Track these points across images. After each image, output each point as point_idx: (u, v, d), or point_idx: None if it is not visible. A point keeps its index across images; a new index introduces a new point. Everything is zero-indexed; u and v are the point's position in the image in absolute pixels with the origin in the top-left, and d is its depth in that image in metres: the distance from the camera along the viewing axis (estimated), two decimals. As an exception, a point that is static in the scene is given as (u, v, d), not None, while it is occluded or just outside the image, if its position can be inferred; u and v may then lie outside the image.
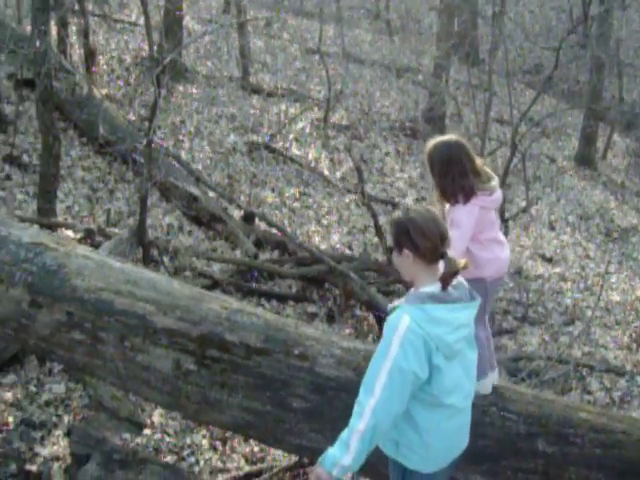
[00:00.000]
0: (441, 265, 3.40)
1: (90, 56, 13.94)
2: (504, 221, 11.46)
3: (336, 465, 3.24)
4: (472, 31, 20.66)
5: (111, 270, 5.26)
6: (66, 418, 6.51)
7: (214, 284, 8.76)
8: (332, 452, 3.28)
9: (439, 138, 4.54)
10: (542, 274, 12.49)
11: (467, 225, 4.32)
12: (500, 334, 9.77)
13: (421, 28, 25.77)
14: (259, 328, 4.88)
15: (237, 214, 11.10)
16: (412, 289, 3.55)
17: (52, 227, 8.34)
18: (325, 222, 12.08)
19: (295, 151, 14.58)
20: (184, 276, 8.63)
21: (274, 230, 10.61)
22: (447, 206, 4.49)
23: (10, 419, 6.35)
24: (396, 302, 3.52)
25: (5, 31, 12.99)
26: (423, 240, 3.30)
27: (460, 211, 4.35)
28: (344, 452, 3.23)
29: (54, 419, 6.47)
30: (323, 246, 10.98)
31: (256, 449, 6.52)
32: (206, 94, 15.58)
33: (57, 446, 6.12)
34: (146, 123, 12.31)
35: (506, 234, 11.35)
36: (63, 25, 13.48)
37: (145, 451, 6.00)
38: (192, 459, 6.35)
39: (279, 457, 6.41)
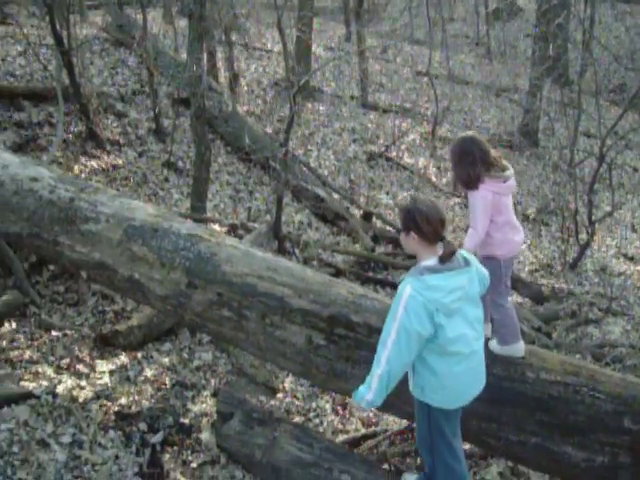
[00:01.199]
0: (440, 246, 3.74)
1: (234, 79, 14.22)
2: (591, 224, 11.12)
3: (363, 399, 3.77)
4: (563, 55, 20.11)
5: (255, 258, 5.36)
6: (212, 381, 6.68)
7: (337, 273, 8.82)
8: (360, 390, 3.79)
9: (460, 135, 4.70)
10: (625, 271, 12.05)
11: (482, 208, 4.39)
12: (586, 323, 9.48)
13: (517, 53, 25.27)
14: (380, 311, 4.86)
15: (357, 213, 11.14)
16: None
17: (203, 222, 8.54)
18: (431, 222, 11.96)
19: (407, 160, 14.53)
20: (312, 265, 8.71)
21: (388, 227, 10.61)
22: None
23: (167, 380, 6.54)
24: (403, 275, 3.80)
25: (164, 58, 13.40)
26: (427, 225, 3.65)
27: (475, 196, 4.42)
28: (367, 390, 3.74)
29: (203, 382, 6.64)
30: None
31: (371, 414, 6.51)
32: (331, 111, 15.67)
33: (205, 404, 6.28)
34: (281, 135, 12.50)
35: (593, 235, 11.03)
36: (211, 53, 13.80)
37: (278, 412, 6.07)
38: (317, 420, 6.41)
39: (391, 422, 6.40)
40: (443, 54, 21.10)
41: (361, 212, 11.12)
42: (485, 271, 4.12)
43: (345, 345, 4.91)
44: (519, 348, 4.63)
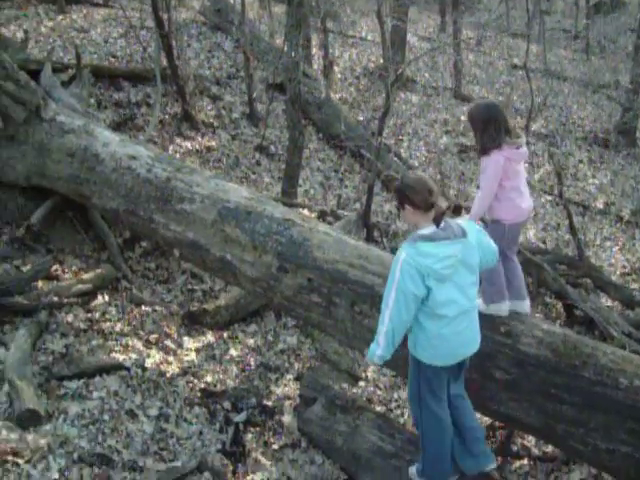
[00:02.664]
0: (433, 212, 4.02)
1: (328, 66, 14.23)
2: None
3: (374, 355, 4.13)
4: (669, 51, 19.35)
5: (346, 246, 5.37)
6: (296, 365, 6.74)
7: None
8: (371, 347, 4.15)
9: (479, 101, 5.01)
10: None
11: (493, 172, 4.57)
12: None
13: (617, 48, 24.45)
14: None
15: (446, 205, 11.01)
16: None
17: (293, 207, 8.60)
18: (523, 218, 11.74)
19: (499, 153, 14.25)
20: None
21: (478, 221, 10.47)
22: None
23: (252, 361, 6.65)
24: (401, 243, 4.14)
25: (260, 43, 13.51)
26: (415, 195, 3.99)
27: (488, 160, 4.60)
28: (377, 346, 4.10)
29: (286, 365, 6.72)
30: (520, 239, 10.67)
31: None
32: (424, 101, 15.52)
33: (288, 388, 6.35)
34: (373, 124, 12.48)
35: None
36: (307, 40, 13.84)
37: (361, 400, 6.08)
38: (398, 411, 6.39)
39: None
40: (540, 47, 20.63)
41: (451, 205, 10.99)
42: (494, 246, 4.37)
43: (434, 336, 4.88)
44: (503, 308, 4.82)
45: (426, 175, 4.21)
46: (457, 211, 10.56)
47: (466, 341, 4.26)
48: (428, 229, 4.03)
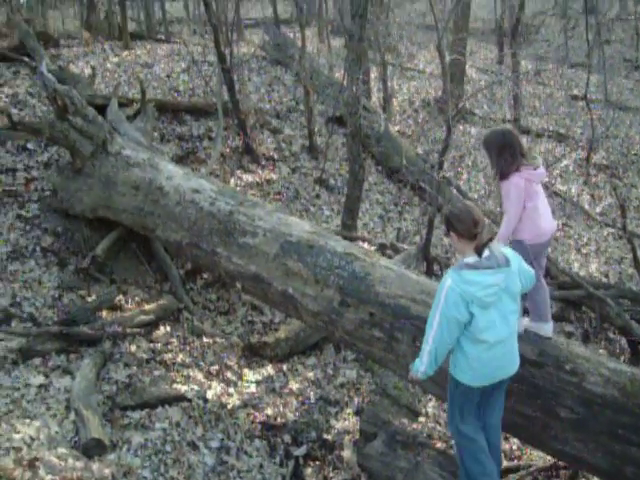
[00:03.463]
0: (477, 241, 4.15)
1: (387, 99, 14.31)
2: None
3: (418, 371, 4.31)
4: None
5: (409, 281, 5.37)
6: (356, 399, 6.72)
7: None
8: (415, 362, 4.34)
9: (494, 128, 5.17)
10: None
11: (515, 194, 4.71)
12: None
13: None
14: (534, 343, 4.79)
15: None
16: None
17: (353, 240, 8.63)
18: (584, 251, 11.56)
19: (559, 186, 14.07)
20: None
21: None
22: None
23: (312, 394, 6.65)
24: (448, 270, 4.29)
25: (319, 77, 13.67)
26: (460, 224, 4.14)
27: (509, 183, 4.74)
28: (421, 363, 4.28)
29: (346, 399, 6.70)
30: (582, 273, 10.52)
31: (514, 447, 6.34)
32: (482, 133, 15.43)
33: (348, 422, 6.34)
34: (432, 156, 12.47)
35: None
36: (366, 73, 13.94)
37: (421, 436, 6.02)
38: (459, 448, 6.29)
39: (535, 457, 6.18)
40: (600, 78, 20.39)
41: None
42: (531, 270, 4.46)
43: (496, 375, 4.83)
44: (546, 329, 4.92)
45: (474, 205, 4.33)
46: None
47: (504, 365, 4.38)
48: (473, 257, 4.18)
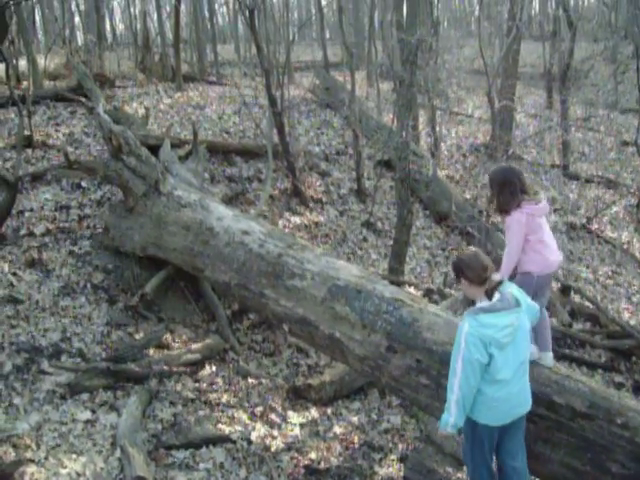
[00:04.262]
0: (487, 285, 4.34)
1: (435, 143, 14.37)
2: None
3: (448, 425, 4.35)
4: None
5: (456, 328, 5.33)
6: (400, 446, 6.65)
7: (532, 347, 8.54)
8: (444, 417, 4.38)
9: (498, 166, 5.44)
10: None
11: (517, 229, 4.92)
12: None
13: None
14: (584, 394, 4.71)
15: (554, 286, 10.79)
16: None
17: (400, 284, 8.63)
18: (635, 300, 11.37)
19: (609, 233, 13.92)
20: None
21: (587, 303, 10.20)
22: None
23: (355, 439, 6.60)
24: (465, 314, 4.39)
25: (368, 121, 13.81)
26: (470, 271, 4.33)
27: (511, 219, 4.96)
28: (449, 416, 4.33)
29: (390, 445, 6.63)
30: (632, 322, 10.33)
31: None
32: (530, 179, 15.37)
33: (392, 468, 6.26)
34: (478, 201, 12.46)
35: None
36: (415, 118, 14.03)
37: (466, 486, 5.94)
38: (504, 500, 6.18)
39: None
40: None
41: (559, 285, 10.76)
42: (535, 305, 4.64)
43: (545, 426, 4.78)
44: (549, 358, 5.06)
45: (480, 251, 4.50)
46: (565, 291, 10.32)
47: (520, 402, 4.49)
48: (486, 301, 4.36)
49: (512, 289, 4.45)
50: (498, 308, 4.30)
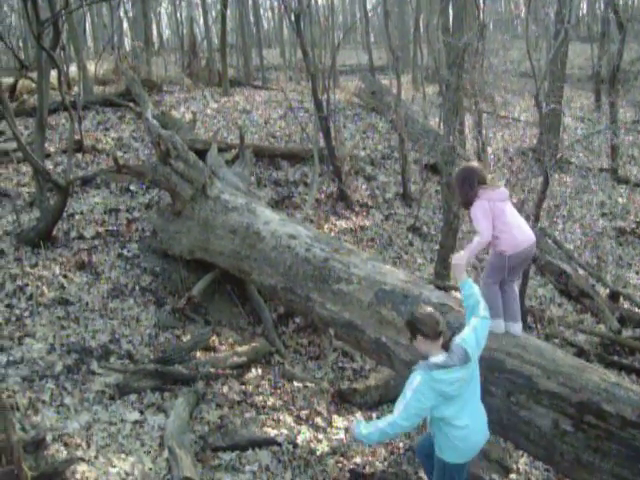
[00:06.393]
0: (441, 340, 4.48)
1: (482, 146, 14.25)
2: None
3: (360, 433, 4.58)
4: None
5: (504, 334, 5.31)
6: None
7: (580, 353, 8.43)
8: (363, 425, 4.64)
9: (459, 167, 5.85)
10: None
11: (482, 214, 5.15)
12: None
13: None
14: (635, 403, 4.63)
15: (603, 291, 10.65)
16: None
17: (446, 289, 8.58)
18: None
19: (662, 238, 13.66)
20: (553, 343, 8.41)
21: (637, 310, 10.03)
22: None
23: (400, 444, 6.58)
24: (415, 366, 4.52)
25: (414, 125, 13.78)
26: (425, 327, 4.46)
27: (473, 208, 5.22)
28: (367, 429, 4.57)
29: (433, 449, 6.59)
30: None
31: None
32: (579, 183, 15.19)
33: (436, 474, 6.22)
34: (527, 206, 12.31)
35: None
36: (461, 122, 13.94)
37: (513, 493, 5.90)
38: (551, 509, 6.13)
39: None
40: None
41: (608, 291, 10.61)
42: (487, 319, 4.77)
43: (594, 435, 4.70)
44: (516, 327, 5.38)
45: (432, 309, 4.66)
46: (615, 298, 10.18)
47: (480, 437, 4.72)
48: (440, 357, 4.46)
49: (461, 340, 4.57)
50: (450, 364, 4.43)
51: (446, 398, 4.44)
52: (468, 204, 5.30)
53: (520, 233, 5.29)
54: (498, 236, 5.20)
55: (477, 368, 4.65)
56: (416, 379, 4.43)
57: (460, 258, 5.02)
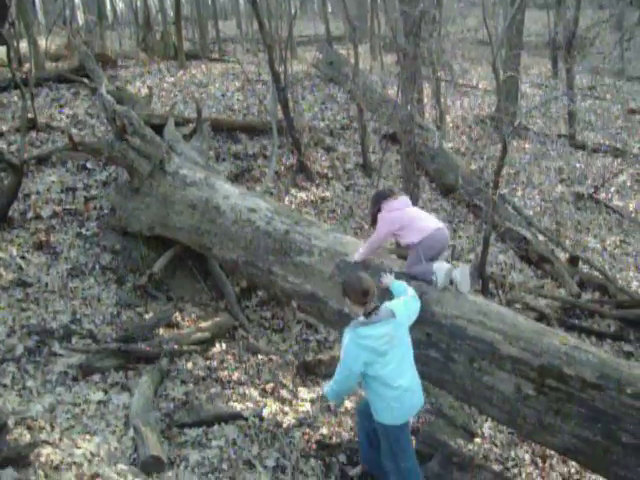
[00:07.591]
0: (368, 306, 4.78)
1: (440, 115, 14.29)
2: None
3: (326, 392, 4.99)
4: None
5: (465, 301, 5.34)
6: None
7: (541, 317, 8.54)
8: (326, 389, 5.00)
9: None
10: None
11: (382, 227, 5.73)
12: None
13: None
14: (594, 365, 4.70)
15: (563, 256, 10.77)
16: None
17: (406, 258, 8.60)
18: (643, 268, 11.32)
19: (616, 202, 13.83)
20: (515, 308, 8.50)
21: (596, 273, 10.17)
22: None
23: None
24: (346, 328, 4.83)
25: (373, 95, 13.72)
26: (352, 294, 4.80)
27: (379, 222, 5.75)
28: (327, 388, 4.97)
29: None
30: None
31: (572, 470, 6.21)
32: (537, 149, 15.30)
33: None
34: (486, 173, 12.39)
35: None
36: (419, 91, 13.92)
37: (477, 458, 5.96)
38: (515, 470, 6.19)
39: (593, 480, 6.06)
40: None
41: (567, 256, 10.73)
42: (416, 300, 5.16)
43: (555, 397, 4.78)
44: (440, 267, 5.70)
45: (367, 277, 4.91)
46: (574, 262, 10.30)
47: (415, 397, 4.92)
48: (361, 317, 4.78)
49: (388, 304, 4.91)
50: (374, 320, 4.71)
51: (377, 354, 4.70)
52: (374, 221, 5.84)
53: (424, 224, 5.67)
54: (405, 230, 5.66)
55: (407, 335, 4.91)
56: (345, 338, 4.77)
57: (389, 279, 5.47)
